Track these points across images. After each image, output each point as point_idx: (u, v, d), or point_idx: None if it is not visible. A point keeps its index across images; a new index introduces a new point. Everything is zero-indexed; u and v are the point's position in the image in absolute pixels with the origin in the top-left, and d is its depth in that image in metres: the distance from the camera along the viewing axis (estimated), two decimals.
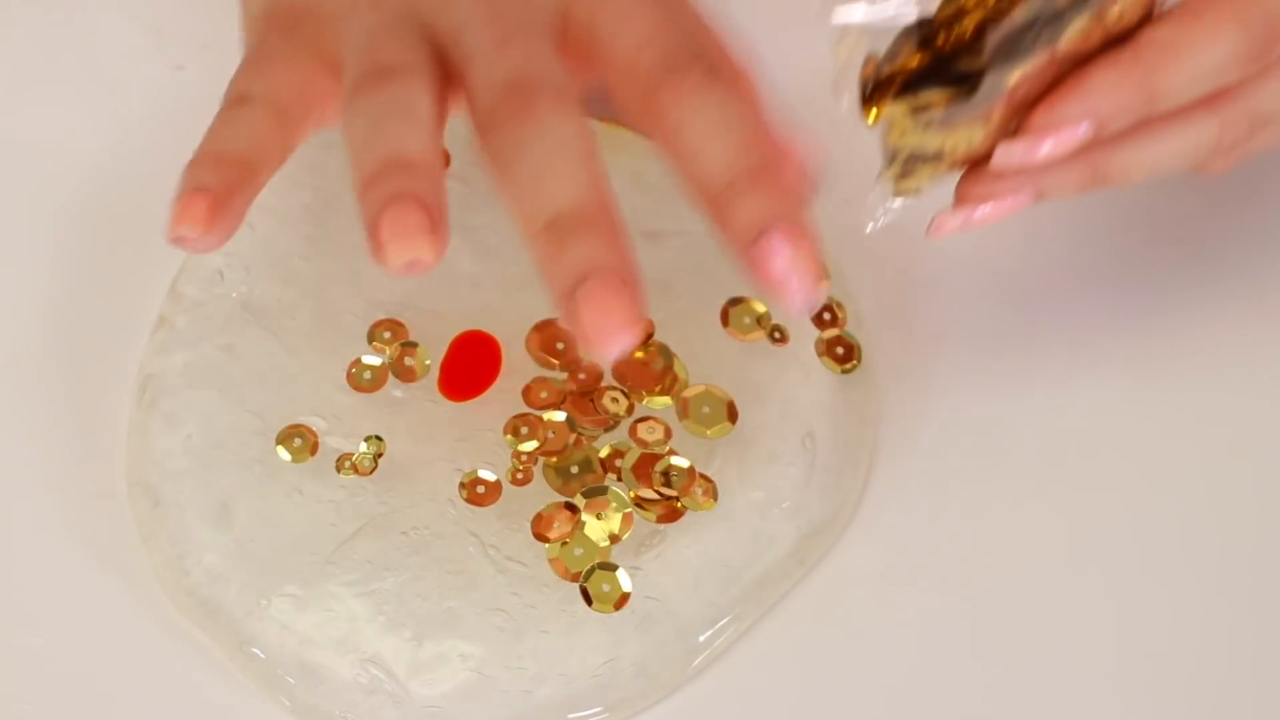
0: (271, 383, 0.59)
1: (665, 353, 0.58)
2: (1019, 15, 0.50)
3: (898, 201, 0.53)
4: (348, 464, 0.57)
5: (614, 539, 0.55)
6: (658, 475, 0.56)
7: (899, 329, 0.61)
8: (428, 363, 0.58)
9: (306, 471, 0.57)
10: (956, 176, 0.53)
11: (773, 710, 0.56)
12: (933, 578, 0.57)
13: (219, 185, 0.48)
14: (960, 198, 0.52)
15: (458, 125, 0.61)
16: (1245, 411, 0.60)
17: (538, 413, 0.57)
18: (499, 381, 0.58)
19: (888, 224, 0.53)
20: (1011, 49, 0.50)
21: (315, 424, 0.58)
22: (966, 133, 0.51)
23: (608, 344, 0.45)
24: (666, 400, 0.58)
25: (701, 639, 0.56)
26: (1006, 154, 0.50)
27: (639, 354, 0.58)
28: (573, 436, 0.57)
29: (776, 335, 0.59)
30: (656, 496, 0.56)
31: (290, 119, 0.51)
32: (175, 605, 0.57)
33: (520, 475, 0.57)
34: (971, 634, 0.56)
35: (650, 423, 0.57)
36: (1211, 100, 0.51)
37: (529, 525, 0.55)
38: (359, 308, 0.60)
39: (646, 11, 0.49)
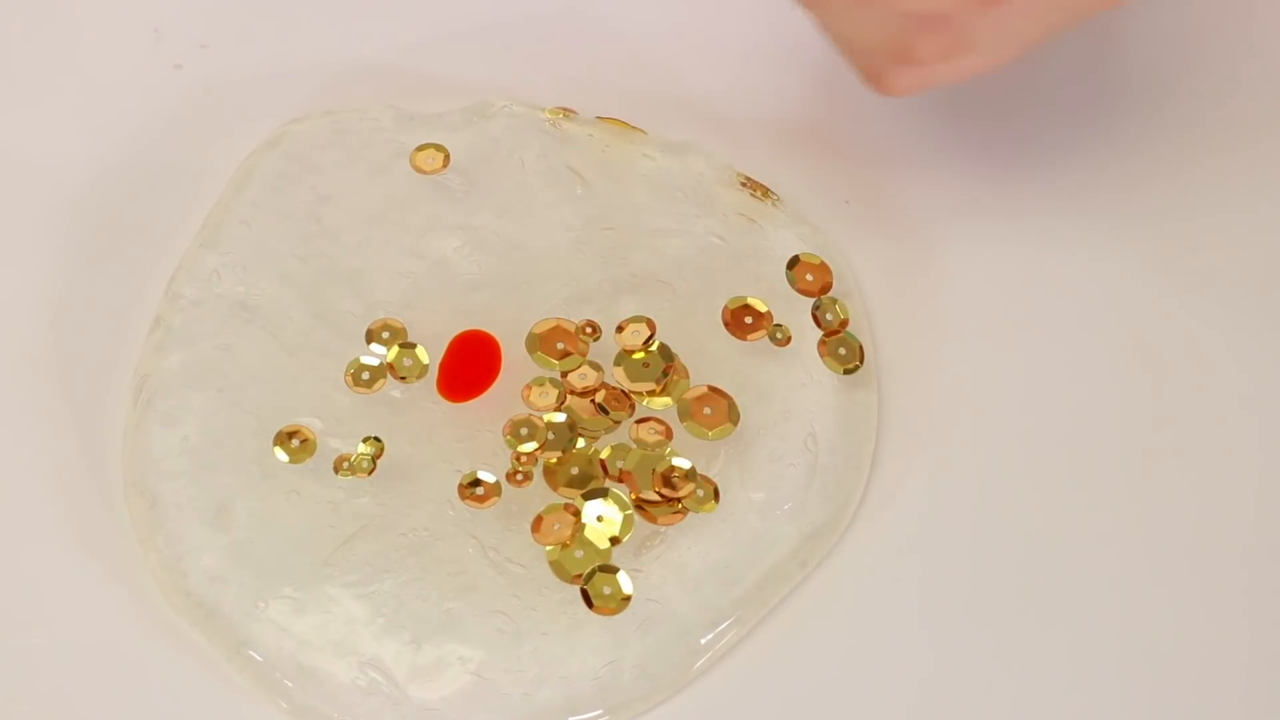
0: (269, 383, 0.58)
1: (667, 353, 0.58)
2: None
3: None
4: (346, 465, 0.57)
5: (615, 541, 0.55)
6: (659, 476, 0.56)
7: (901, 330, 0.61)
8: (426, 363, 0.58)
9: (305, 472, 0.57)
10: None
11: (775, 712, 0.55)
12: (934, 579, 0.57)
13: None
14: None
15: (458, 127, 0.63)
16: (1250, 408, 0.60)
17: (537, 413, 0.57)
18: (498, 382, 0.58)
19: None
20: None
21: (313, 425, 0.58)
22: None
23: None
24: (667, 401, 0.57)
25: (703, 641, 0.56)
26: None
27: (639, 355, 0.57)
28: (573, 437, 0.56)
29: (779, 336, 0.59)
30: (658, 498, 0.55)
31: None
32: (172, 607, 0.56)
33: (520, 476, 0.56)
34: (973, 635, 0.56)
35: (651, 424, 0.56)
36: None
37: (529, 527, 0.55)
38: (357, 308, 0.60)
39: None
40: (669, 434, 0.56)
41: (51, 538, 0.58)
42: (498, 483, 0.56)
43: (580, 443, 0.57)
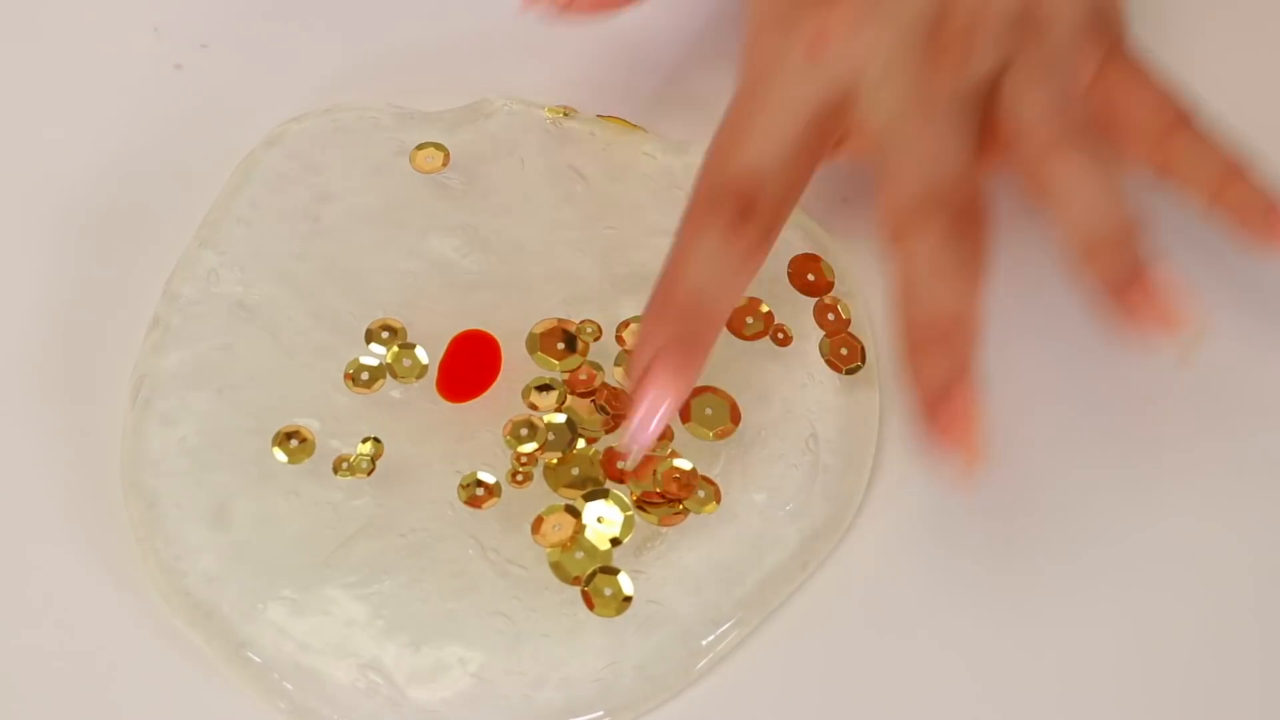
0: (268, 383, 0.58)
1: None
2: None
3: None
4: (345, 465, 0.56)
5: (615, 542, 0.54)
6: (659, 477, 0.55)
7: None
8: (426, 363, 0.58)
9: (303, 473, 0.57)
10: None
11: (776, 713, 0.55)
12: (935, 579, 0.57)
13: None
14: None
15: (458, 126, 0.63)
16: (1254, 407, 0.60)
17: (538, 414, 0.56)
18: (498, 382, 0.58)
19: None
20: None
21: (312, 425, 0.57)
22: None
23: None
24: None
25: (704, 642, 0.55)
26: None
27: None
28: (573, 438, 0.56)
29: (780, 336, 0.59)
30: (659, 499, 0.55)
31: None
32: (170, 608, 0.56)
33: (520, 477, 0.56)
34: (975, 635, 0.56)
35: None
36: None
37: (529, 528, 0.55)
38: (356, 307, 0.59)
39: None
40: (670, 435, 0.56)
41: (50, 538, 0.57)
42: (498, 483, 0.56)
43: (581, 443, 0.56)
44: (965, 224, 0.55)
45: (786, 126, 0.55)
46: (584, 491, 0.55)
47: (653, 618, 0.55)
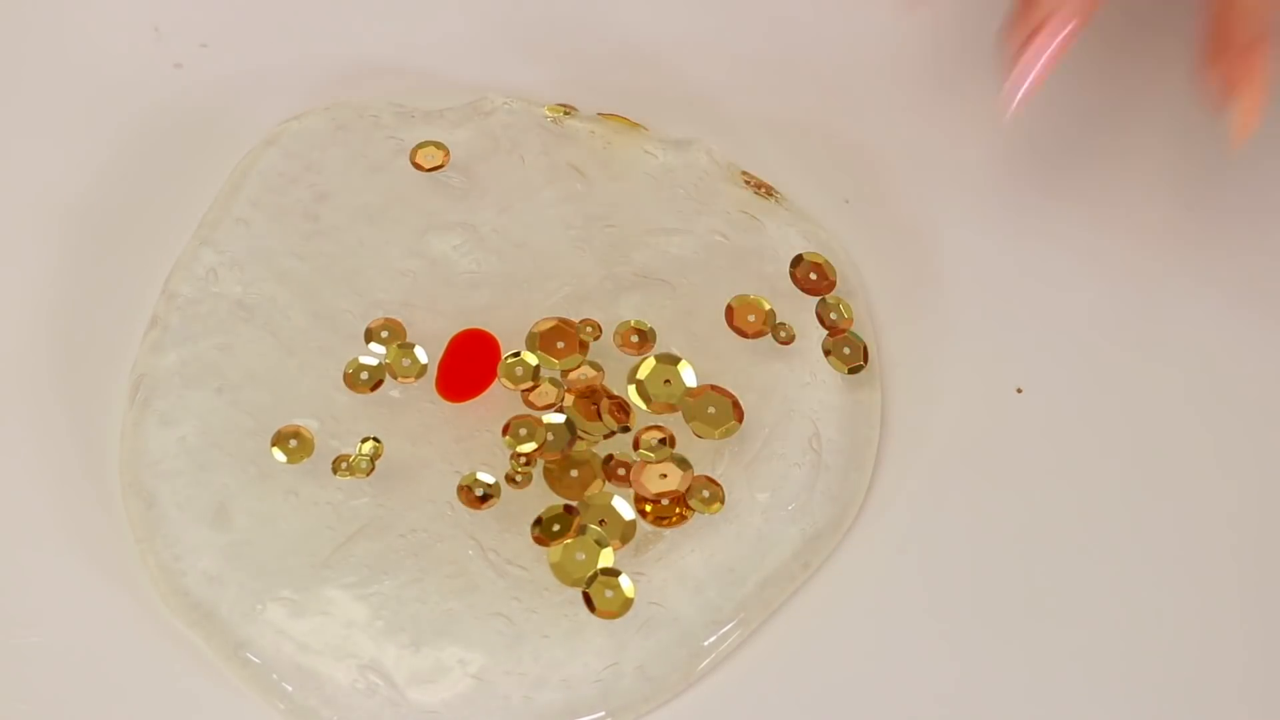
0: (266, 383, 0.58)
1: (670, 357, 0.57)
2: None
3: None
4: (344, 465, 0.56)
5: (616, 544, 0.54)
6: (660, 478, 0.55)
7: (907, 329, 0.61)
8: (425, 363, 0.57)
9: (303, 473, 0.56)
10: None
11: (778, 714, 0.55)
12: (937, 579, 0.56)
13: None
14: (1011, 58, 0.54)
15: (458, 125, 0.62)
16: (1255, 407, 0.59)
17: (537, 414, 0.56)
18: (498, 382, 0.57)
19: None
20: None
21: (311, 425, 0.57)
22: None
23: None
24: (671, 404, 0.57)
25: (706, 644, 0.55)
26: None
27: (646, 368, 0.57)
28: (573, 438, 0.56)
29: (782, 335, 0.58)
30: (660, 500, 0.55)
31: None
32: (169, 608, 0.55)
33: (519, 477, 0.55)
34: (977, 635, 0.55)
35: (652, 427, 0.56)
36: None
37: (529, 528, 0.54)
38: (356, 306, 0.59)
39: None
40: (671, 440, 0.55)
41: (49, 538, 0.57)
42: (497, 483, 0.55)
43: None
44: None
45: None
46: (584, 492, 0.55)
47: (654, 619, 0.54)
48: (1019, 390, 0.59)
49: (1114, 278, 0.61)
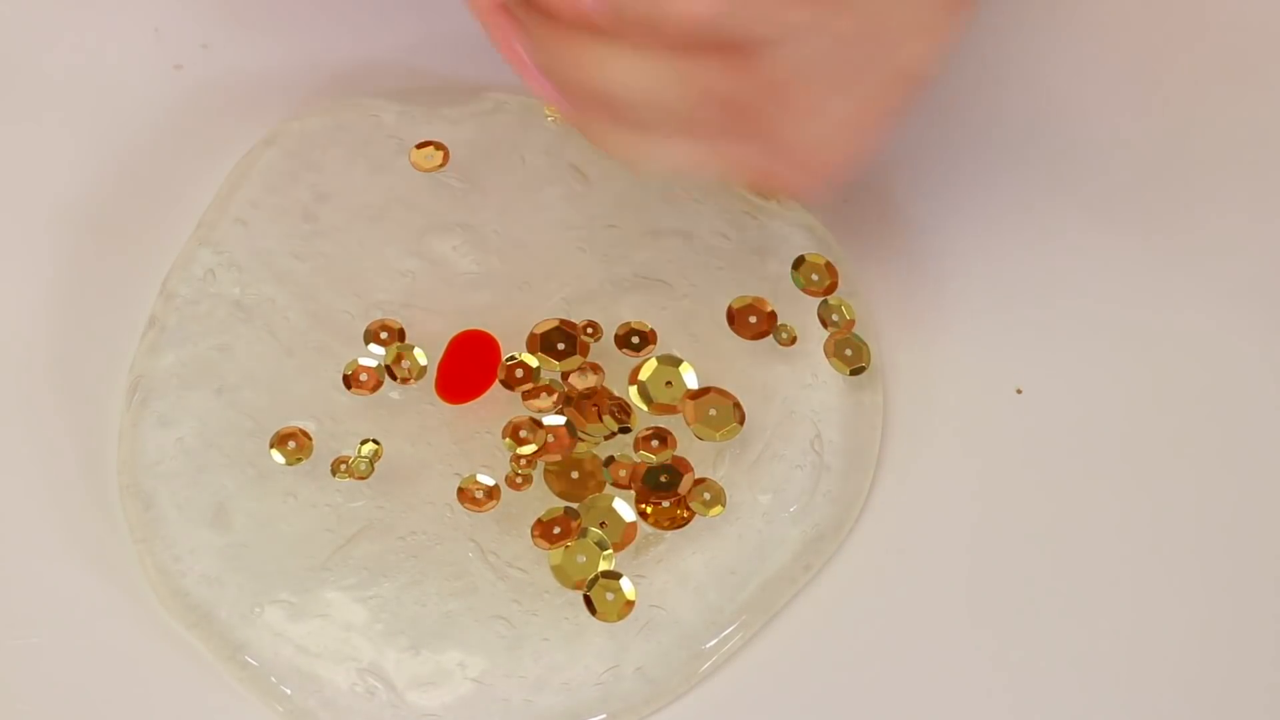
0: (265, 384, 0.57)
1: (671, 359, 0.56)
2: None
3: None
4: (343, 467, 0.56)
5: (618, 546, 0.54)
6: (661, 479, 0.54)
7: (908, 331, 0.60)
8: (425, 364, 0.57)
9: (301, 475, 0.56)
10: None
11: (779, 717, 0.54)
12: (939, 580, 0.56)
13: None
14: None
15: (458, 125, 0.62)
16: (1257, 408, 0.59)
17: (537, 415, 0.55)
18: (498, 383, 0.57)
19: None
20: None
21: (310, 426, 0.56)
22: None
23: None
24: (672, 406, 0.56)
25: (707, 646, 0.54)
26: None
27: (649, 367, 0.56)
28: (573, 441, 0.55)
29: (784, 336, 0.58)
30: (661, 502, 0.54)
31: None
32: (167, 610, 0.55)
33: (519, 479, 0.55)
34: (978, 637, 0.55)
35: (653, 428, 0.55)
36: None
37: (529, 531, 0.54)
38: (355, 307, 0.58)
39: None
40: (672, 441, 0.55)
41: (48, 539, 0.57)
42: (497, 485, 0.55)
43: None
44: None
45: None
46: (585, 494, 0.54)
47: (655, 621, 0.54)
48: (1019, 391, 0.59)
49: (1114, 278, 0.61)
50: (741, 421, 0.55)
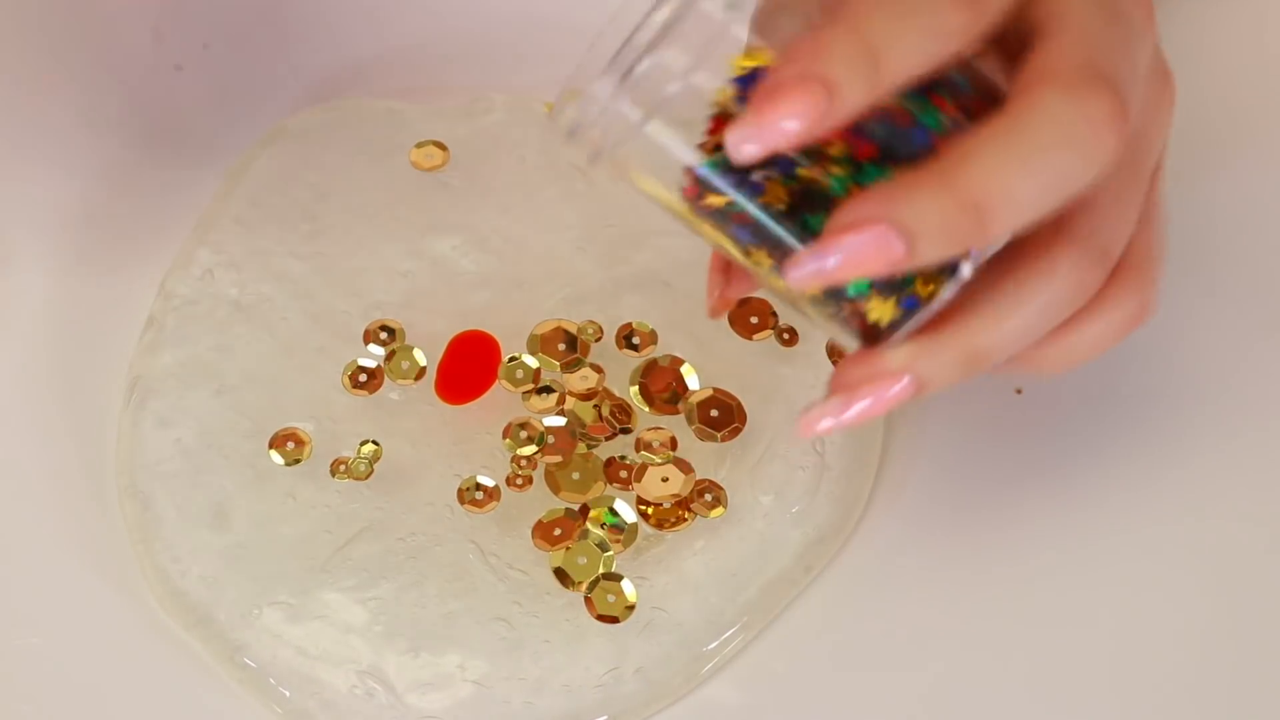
0: (264, 384, 0.57)
1: (672, 360, 0.56)
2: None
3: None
4: (343, 468, 0.55)
5: (619, 548, 0.53)
6: (662, 480, 0.54)
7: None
8: (424, 364, 0.57)
9: (300, 475, 0.55)
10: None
11: (780, 717, 0.54)
12: (940, 581, 0.55)
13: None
14: (834, 387, 0.47)
15: (457, 124, 0.61)
16: (1257, 409, 0.58)
17: (538, 416, 0.55)
18: (498, 384, 0.56)
19: None
20: None
21: (309, 427, 0.56)
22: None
23: None
24: (673, 408, 0.56)
25: (708, 648, 0.54)
26: (796, 270, 0.43)
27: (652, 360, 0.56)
28: (573, 441, 0.55)
29: (785, 336, 0.57)
30: (662, 504, 0.54)
31: None
32: (166, 611, 0.54)
33: (520, 480, 0.55)
34: (980, 637, 0.54)
35: (654, 429, 0.55)
36: (1067, 229, 0.45)
37: (530, 532, 0.54)
38: (355, 307, 0.58)
39: None
40: (674, 442, 0.55)
41: (47, 539, 0.56)
42: (497, 486, 0.54)
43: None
44: None
45: None
46: (586, 495, 0.54)
47: (655, 622, 0.53)
48: (1019, 391, 0.58)
49: None
50: (743, 422, 0.55)
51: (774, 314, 0.57)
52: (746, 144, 0.41)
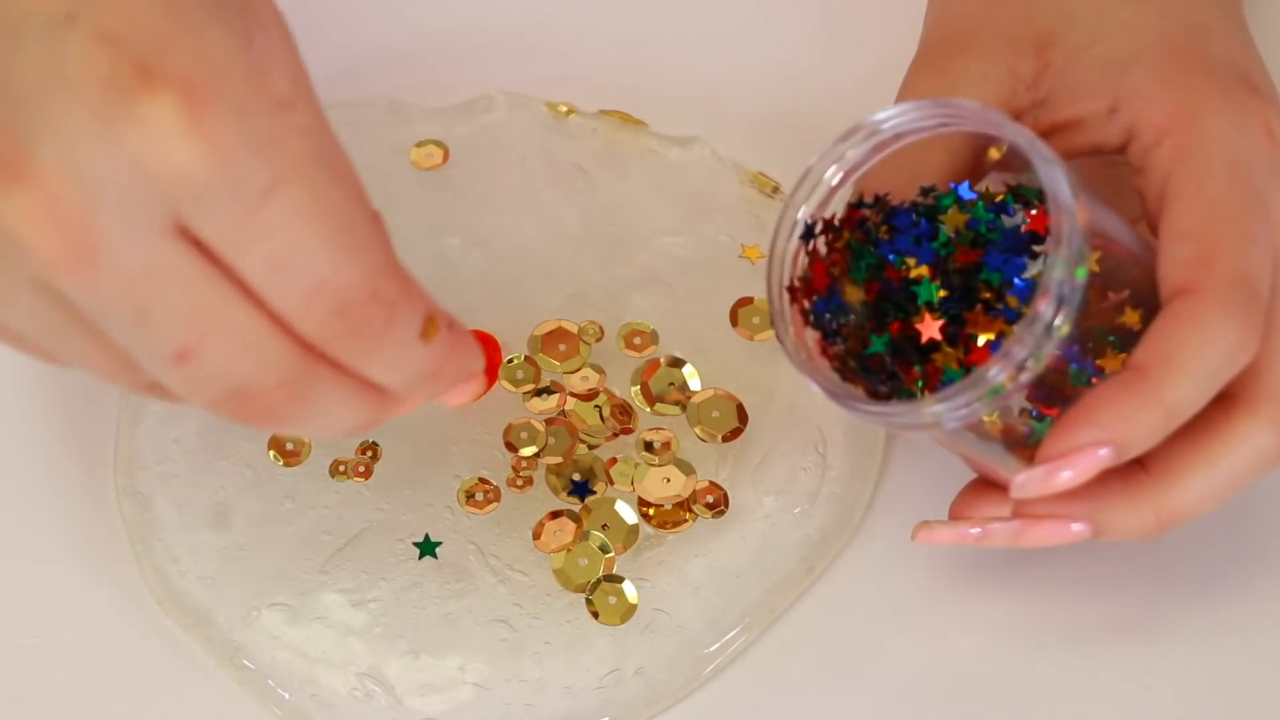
0: None
1: (674, 360, 0.56)
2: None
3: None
4: (342, 469, 0.55)
5: (619, 549, 0.53)
6: (664, 481, 0.54)
7: None
8: None
9: (300, 476, 0.55)
10: None
11: (781, 718, 0.53)
12: (941, 582, 0.55)
13: None
14: (1015, 512, 0.50)
15: (458, 123, 0.61)
16: None
17: (539, 417, 0.55)
18: (499, 384, 0.56)
19: None
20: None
21: None
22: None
23: None
24: (675, 408, 0.55)
25: (710, 650, 0.53)
26: (1022, 485, 0.47)
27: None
28: (573, 442, 0.54)
29: None
30: (663, 505, 0.53)
31: None
32: (165, 612, 0.54)
33: (520, 481, 0.54)
34: (981, 638, 0.54)
35: (655, 430, 0.55)
36: (1248, 399, 0.48)
37: (530, 533, 0.53)
38: None
39: None
40: (674, 444, 0.54)
41: (47, 539, 0.56)
42: (497, 488, 0.54)
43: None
44: None
45: None
46: (587, 497, 0.53)
47: (656, 624, 0.53)
48: None
49: None
50: (744, 423, 0.55)
51: None
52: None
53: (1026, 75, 0.50)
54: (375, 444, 0.54)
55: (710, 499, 0.53)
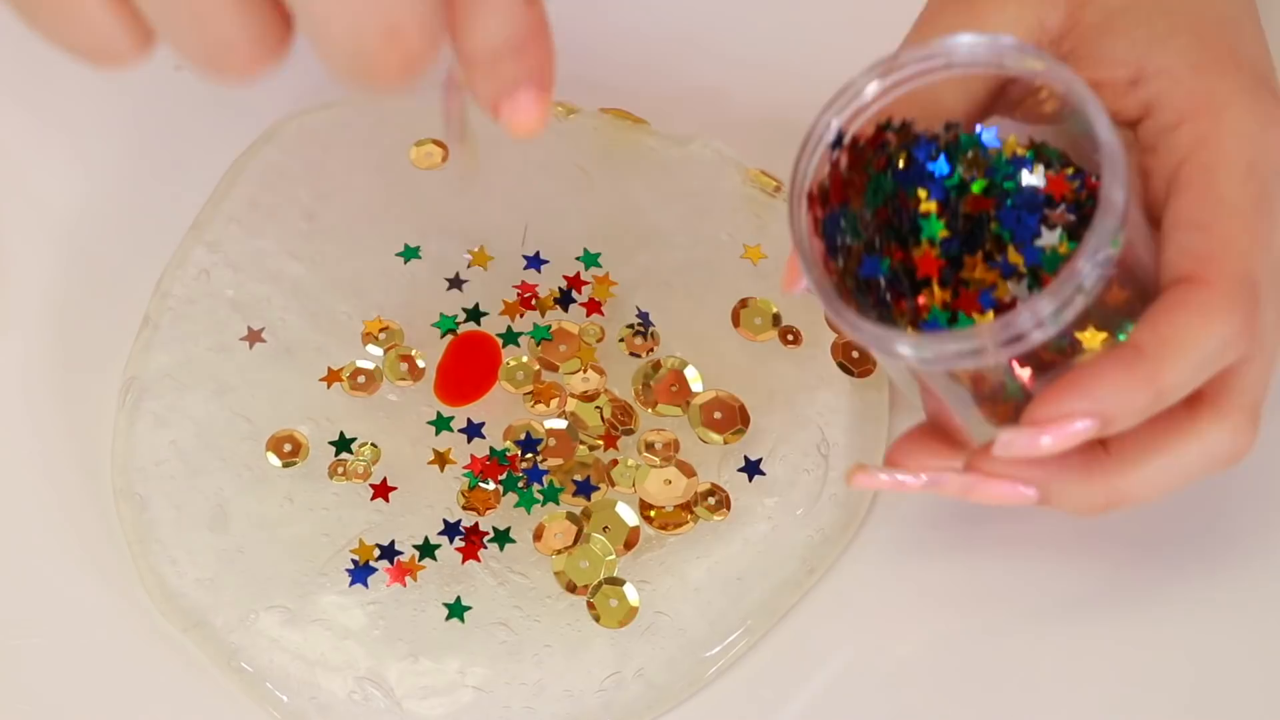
0: (261, 385, 0.56)
1: (675, 360, 0.55)
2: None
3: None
4: (341, 470, 0.54)
5: (620, 551, 0.53)
6: (665, 483, 0.53)
7: None
8: (424, 366, 0.56)
9: (298, 477, 0.54)
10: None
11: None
12: (942, 583, 0.55)
13: None
14: (968, 466, 0.49)
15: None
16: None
17: (539, 419, 0.54)
18: (499, 385, 0.55)
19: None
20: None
21: (307, 428, 0.55)
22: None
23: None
24: (676, 409, 0.55)
25: (711, 652, 0.53)
26: (1007, 444, 0.47)
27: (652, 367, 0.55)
28: (575, 444, 0.54)
29: (789, 337, 0.56)
30: (664, 507, 0.53)
31: None
32: (163, 614, 0.53)
33: (521, 483, 0.54)
34: (983, 640, 0.54)
35: (657, 431, 0.54)
36: (1217, 400, 0.48)
37: (530, 535, 0.53)
38: (353, 308, 0.57)
39: None
40: (676, 445, 0.54)
41: (44, 540, 0.56)
42: (498, 489, 0.53)
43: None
44: None
45: None
46: (588, 499, 0.53)
47: (657, 626, 0.53)
48: None
49: None
50: (746, 424, 0.54)
51: (776, 315, 0.56)
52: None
53: (1054, 29, 0.49)
54: (375, 445, 0.54)
55: (711, 501, 0.53)
